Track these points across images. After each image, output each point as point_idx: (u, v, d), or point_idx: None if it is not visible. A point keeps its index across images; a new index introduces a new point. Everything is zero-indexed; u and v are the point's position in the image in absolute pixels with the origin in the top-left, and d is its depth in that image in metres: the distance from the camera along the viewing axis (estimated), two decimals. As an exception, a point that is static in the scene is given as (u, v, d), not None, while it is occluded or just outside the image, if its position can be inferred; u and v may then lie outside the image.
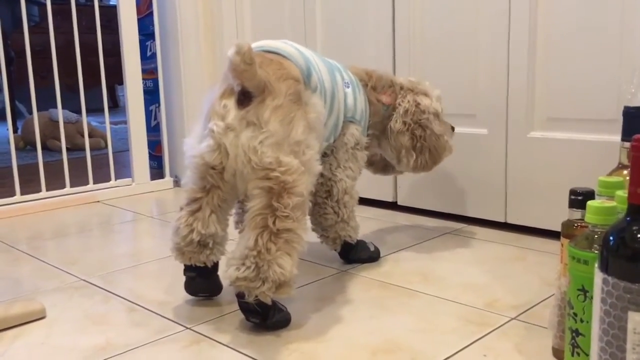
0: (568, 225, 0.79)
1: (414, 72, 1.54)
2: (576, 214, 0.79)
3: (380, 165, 1.39)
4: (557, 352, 0.81)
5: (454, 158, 1.49)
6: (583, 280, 0.69)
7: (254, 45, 1.03)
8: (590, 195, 0.77)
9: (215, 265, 1.03)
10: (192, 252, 0.99)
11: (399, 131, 1.23)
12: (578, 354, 0.71)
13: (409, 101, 1.24)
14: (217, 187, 0.96)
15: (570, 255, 0.71)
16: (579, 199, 0.78)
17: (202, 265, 1.01)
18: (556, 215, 1.33)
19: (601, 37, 1.23)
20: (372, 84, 1.23)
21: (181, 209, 1.00)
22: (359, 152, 1.18)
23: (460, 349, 0.85)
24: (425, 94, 1.26)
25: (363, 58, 1.63)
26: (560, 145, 1.32)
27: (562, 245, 0.80)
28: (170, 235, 1.01)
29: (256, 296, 0.88)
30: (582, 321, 0.70)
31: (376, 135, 1.26)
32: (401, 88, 1.26)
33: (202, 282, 1.04)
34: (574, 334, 0.71)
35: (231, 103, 0.92)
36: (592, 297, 0.67)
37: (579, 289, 0.70)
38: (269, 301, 0.89)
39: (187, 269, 1.04)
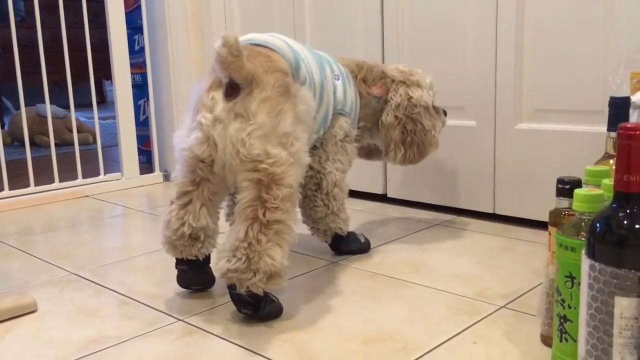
0: (556, 213, 0.80)
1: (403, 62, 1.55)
2: (564, 202, 0.80)
3: (364, 151, 1.38)
4: (545, 339, 0.82)
5: (443, 150, 1.50)
6: (571, 267, 0.70)
7: (242, 38, 1.03)
8: (577, 184, 0.78)
9: (207, 258, 1.04)
10: (184, 246, 0.99)
11: (390, 125, 1.23)
12: (566, 340, 0.72)
13: (401, 95, 1.24)
14: (206, 180, 0.96)
15: (557, 243, 0.72)
16: (566, 187, 0.79)
17: (193, 258, 1.01)
18: (543, 205, 1.34)
19: (587, 29, 1.24)
20: (361, 76, 1.23)
21: (172, 202, 1.00)
22: (348, 145, 1.19)
23: (451, 337, 0.86)
24: (418, 85, 1.26)
25: (352, 50, 1.64)
26: (548, 137, 1.33)
27: (549, 233, 0.81)
28: (161, 228, 1.01)
29: (248, 287, 0.88)
30: (569, 307, 0.71)
31: (368, 127, 1.26)
32: (393, 80, 1.25)
33: (194, 275, 1.05)
34: (562, 320, 0.73)
35: (219, 95, 0.92)
36: (579, 284, 0.69)
37: (566, 276, 0.71)
38: (260, 292, 0.90)
39: (179, 263, 1.04)
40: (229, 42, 0.87)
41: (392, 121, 1.23)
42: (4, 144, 1.83)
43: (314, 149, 1.15)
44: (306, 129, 1.00)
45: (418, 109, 1.23)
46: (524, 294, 1.01)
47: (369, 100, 1.24)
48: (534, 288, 1.03)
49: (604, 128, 0.90)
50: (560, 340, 0.73)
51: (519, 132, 1.37)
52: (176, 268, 1.05)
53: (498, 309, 0.96)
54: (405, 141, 1.24)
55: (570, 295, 0.71)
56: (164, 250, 1.02)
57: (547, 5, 1.29)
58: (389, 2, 1.55)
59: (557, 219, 0.79)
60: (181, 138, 0.98)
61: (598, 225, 0.63)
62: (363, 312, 0.96)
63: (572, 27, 1.26)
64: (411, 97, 1.24)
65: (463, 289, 1.04)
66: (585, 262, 0.64)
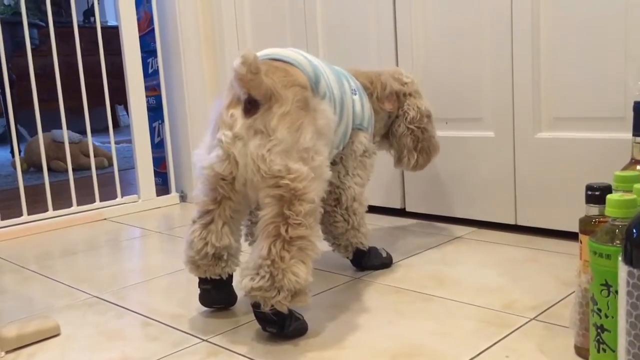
0: (586, 221, 0.78)
1: (418, 77, 1.54)
2: (593, 209, 0.78)
3: None
4: (580, 350, 0.80)
5: (462, 162, 1.49)
6: (606, 274, 0.69)
7: (260, 53, 1.04)
8: (607, 189, 0.76)
9: (230, 277, 1.03)
10: (207, 265, 0.99)
11: (402, 134, 1.29)
12: (604, 350, 0.70)
13: (413, 108, 1.29)
14: (228, 198, 0.96)
15: (591, 251, 0.71)
16: (596, 194, 0.77)
17: (217, 277, 1.00)
18: (567, 215, 1.33)
19: (605, 33, 1.23)
20: (376, 93, 1.26)
21: (193, 222, 0.99)
22: (367, 160, 1.19)
23: (481, 351, 0.84)
24: (419, 93, 1.32)
25: (365, 61, 1.63)
26: (569, 145, 1.31)
27: (580, 242, 0.79)
28: (184, 249, 1.00)
29: (272, 306, 0.87)
30: (607, 317, 0.69)
31: (377, 140, 1.31)
32: (404, 95, 1.30)
33: (217, 294, 1.04)
34: (599, 330, 0.71)
35: (238, 112, 0.92)
36: (616, 292, 0.67)
37: (602, 284, 0.69)
38: (285, 310, 0.88)
39: (202, 282, 1.03)
40: (248, 60, 0.86)
41: (403, 131, 1.29)
42: (20, 171, 1.84)
43: (333, 164, 1.14)
44: (327, 143, 0.99)
45: (425, 118, 1.30)
46: (553, 305, 0.99)
47: (383, 116, 1.29)
48: (563, 299, 1.01)
49: (625, 135, 0.89)
50: (598, 351, 0.71)
51: (539, 142, 1.36)
52: (199, 287, 1.04)
53: (528, 321, 0.93)
54: (417, 148, 1.30)
55: (607, 304, 0.69)
56: (186, 270, 1.01)
57: (563, 10, 1.28)
58: (402, 11, 1.55)
59: (587, 226, 0.78)
60: (201, 156, 0.97)
61: (634, 230, 0.61)
62: (390, 327, 0.95)
63: (589, 32, 1.25)
64: (419, 107, 1.30)
65: (490, 301, 1.02)
66: (623, 269, 0.62)
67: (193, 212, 1.00)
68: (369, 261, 1.22)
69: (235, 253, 1.00)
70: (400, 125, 1.29)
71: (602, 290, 0.69)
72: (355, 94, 1.16)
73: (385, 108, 1.27)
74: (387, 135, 1.33)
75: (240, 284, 0.89)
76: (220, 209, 0.96)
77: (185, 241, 1.00)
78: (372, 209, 1.60)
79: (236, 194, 0.95)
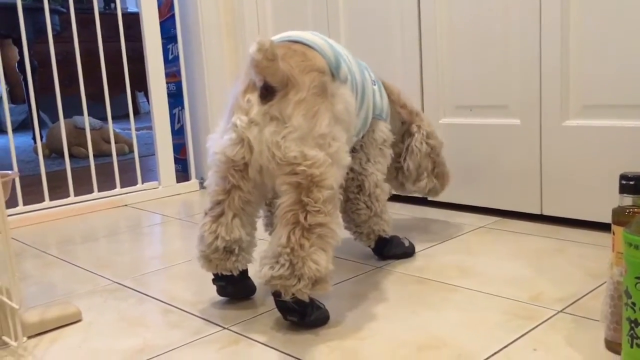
0: (619, 211, 0.76)
1: (442, 63, 1.51)
2: (627, 199, 0.75)
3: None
4: (611, 344, 0.78)
5: (486, 150, 1.46)
6: (641, 267, 0.66)
7: (280, 35, 1.02)
8: (642, 179, 0.73)
9: (243, 272, 1.01)
10: (219, 260, 0.96)
11: (424, 154, 1.26)
12: (638, 345, 0.68)
13: (429, 125, 1.29)
14: (237, 187, 0.93)
15: (626, 242, 0.68)
16: (631, 183, 0.74)
17: (228, 273, 0.98)
18: (594, 205, 1.30)
19: (635, 18, 1.19)
20: (394, 97, 1.25)
21: (205, 214, 0.97)
22: (386, 149, 1.17)
23: (508, 343, 0.82)
24: (428, 122, 1.30)
25: (388, 50, 1.61)
26: (597, 133, 1.28)
27: (613, 233, 0.76)
28: (196, 243, 0.98)
29: (293, 294, 0.86)
30: (641, 310, 0.67)
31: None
32: (417, 114, 1.28)
33: (233, 288, 1.02)
34: (632, 325, 0.68)
35: (254, 98, 0.90)
36: (652, 285, 0.64)
37: (637, 277, 0.67)
38: (306, 298, 0.87)
39: (216, 279, 1.02)
40: (264, 47, 0.85)
41: (426, 150, 1.26)
42: (43, 156, 1.85)
43: (353, 151, 1.12)
44: (345, 129, 0.97)
45: (439, 143, 1.29)
46: (581, 297, 0.96)
47: (397, 122, 1.26)
48: (592, 291, 0.98)
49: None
50: (632, 346, 0.69)
51: (567, 130, 1.32)
52: (214, 284, 1.03)
53: (556, 314, 0.91)
54: (434, 172, 1.28)
55: (642, 297, 0.67)
56: (199, 266, 0.99)
57: (594, -3, 1.24)
58: (426, 1, 1.51)
59: (621, 217, 0.75)
60: (215, 140, 0.95)
61: (674, 221, 0.58)
62: (413, 317, 0.93)
63: (620, 16, 1.21)
64: (435, 133, 1.29)
65: (516, 293, 1.00)
66: (661, 262, 0.60)
67: (206, 203, 0.98)
68: (390, 250, 1.20)
69: (247, 247, 0.98)
70: (422, 143, 1.25)
71: (637, 284, 0.67)
72: (375, 85, 1.15)
73: (402, 113, 1.26)
74: (398, 153, 1.27)
75: (260, 272, 0.87)
76: (230, 198, 0.94)
77: (197, 236, 0.98)
78: (395, 198, 1.58)
79: (246, 183, 0.93)
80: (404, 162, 1.27)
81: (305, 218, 0.85)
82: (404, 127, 1.27)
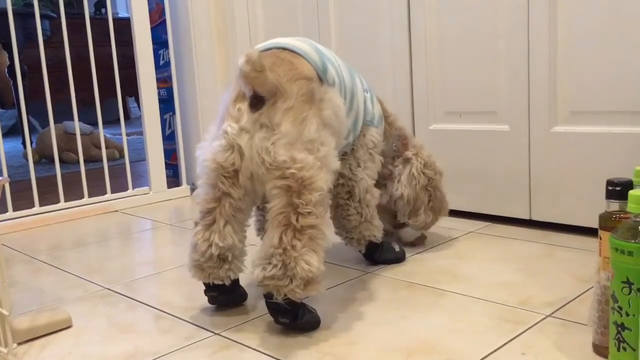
0: (606, 217, 0.77)
1: (431, 70, 1.52)
2: (614, 205, 0.76)
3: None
4: (598, 348, 0.79)
5: (475, 156, 1.47)
6: (628, 272, 0.67)
7: (267, 42, 1.03)
8: (628, 185, 0.74)
9: (235, 281, 1.01)
10: (212, 268, 0.96)
11: (423, 186, 1.23)
12: (624, 349, 0.69)
13: (428, 155, 1.25)
14: (227, 194, 0.93)
15: (612, 247, 0.69)
16: (617, 189, 0.75)
17: (220, 282, 0.98)
18: (582, 210, 1.31)
19: (624, 24, 1.20)
20: (389, 119, 1.24)
21: (196, 224, 0.97)
22: (376, 155, 1.17)
23: (497, 348, 0.83)
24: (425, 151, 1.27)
25: (378, 58, 1.62)
26: (585, 140, 1.29)
27: (600, 238, 0.77)
28: (189, 252, 0.98)
29: (285, 295, 0.86)
30: (627, 315, 0.68)
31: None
32: (414, 145, 1.25)
33: (224, 298, 1.03)
34: (619, 329, 0.69)
35: (244, 106, 0.92)
36: (638, 290, 0.65)
37: (623, 282, 0.68)
38: (298, 299, 0.88)
39: (208, 289, 1.02)
40: (252, 59, 0.86)
41: (424, 181, 1.23)
42: (33, 162, 1.84)
43: (343, 156, 1.13)
44: (334, 133, 0.98)
45: (438, 175, 1.26)
46: (570, 301, 0.97)
47: (389, 136, 1.23)
48: (580, 295, 0.99)
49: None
50: (618, 350, 0.70)
51: (555, 136, 1.34)
52: (205, 294, 1.02)
53: (544, 318, 0.92)
54: (429, 206, 1.25)
55: (628, 302, 0.68)
56: (190, 275, 0.99)
57: (581, 0, 1.25)
58: (416, 8, 1.53)
59: (608, 222, 0.76)
60: (204, 148, 0.96)
61: (659, 227, 0.59)
62: (403, 322, 0.94)
63: (607, 22, 1.22)
64: (434, 162, 1.25)
65: (505, 297, 1.01)
66: (646, 267, 0.61)
67: (195, 214, 0.98)
68: (381, 255, 1.20)
69: (239, 255, 0.98)
70: (421, 174, 1.22)
71: (623, 288, 0.68)
72: (367, 93, 1.15)
73: (393, 133, 1.24)
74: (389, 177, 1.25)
75: (252, 274, 0.88)
76: (221, 206, 0.94)
77: (190, 244, 0.98)
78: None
79: (237, 190, 0.93)
80: (396, 191, 1.23)
81: (297, 220, 0.86)
82: (396, 152, 1.25)
